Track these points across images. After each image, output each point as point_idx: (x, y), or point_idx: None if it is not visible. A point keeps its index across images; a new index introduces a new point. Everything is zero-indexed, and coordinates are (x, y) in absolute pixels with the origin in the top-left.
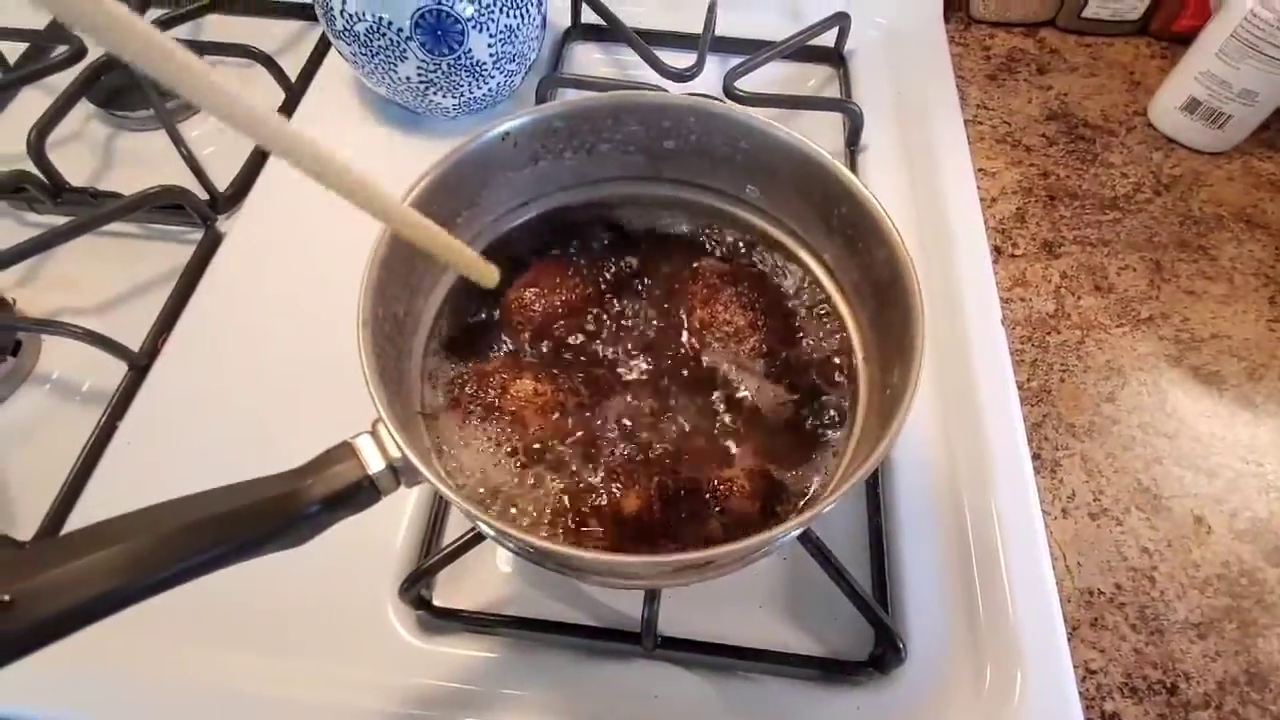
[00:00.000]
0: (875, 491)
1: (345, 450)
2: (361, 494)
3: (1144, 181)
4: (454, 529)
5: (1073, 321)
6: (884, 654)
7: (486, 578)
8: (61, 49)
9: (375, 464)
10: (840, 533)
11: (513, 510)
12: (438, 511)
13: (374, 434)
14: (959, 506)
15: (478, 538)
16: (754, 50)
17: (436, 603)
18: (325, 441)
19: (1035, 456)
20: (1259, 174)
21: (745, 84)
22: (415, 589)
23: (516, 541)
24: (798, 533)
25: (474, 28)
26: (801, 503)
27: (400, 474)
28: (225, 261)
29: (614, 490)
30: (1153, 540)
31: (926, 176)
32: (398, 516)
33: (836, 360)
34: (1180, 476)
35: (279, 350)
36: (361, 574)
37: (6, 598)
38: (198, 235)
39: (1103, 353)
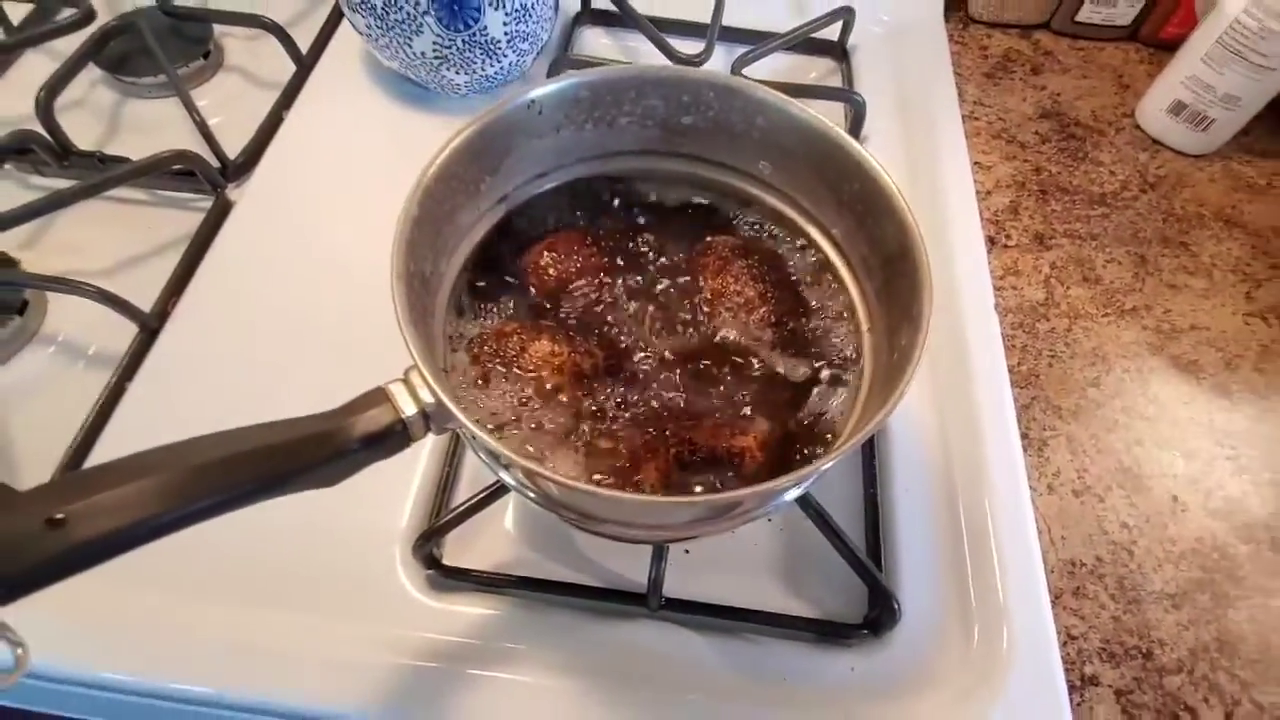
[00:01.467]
0: (872, 463)
1: (379, 395)
2: (394, 438)
3: (1131, 180)
4: (465, 489)
5: (1061, 310)
6: (879, 615)
7: (494, 539)
8: (69, 12)
9: (408, 408)
10: (838, 500)
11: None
12: (448, 475)
13: (406, 381)
14: (951, 480)
15: (492, 495)
16: (760, 40)
17: (446, 561)
18: (343, 398)
19: (1024, 435)
20: (1239, 177)
21: (751, 72)
22: (427, 547)
23: (546, 482)
24: (806, 486)
25: (490, 5)
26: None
27: (431, 419)
28: (235, 229)
29: (625, 451)
30: (1132, 516)
31: (926, 168)
32: (409, 475)
33: (842, 330)
34: (1159, 458)
35: (289, 317)
36: (372, 532)
37: (60, 515)
38: (207, 203)
39: (1089, 340)
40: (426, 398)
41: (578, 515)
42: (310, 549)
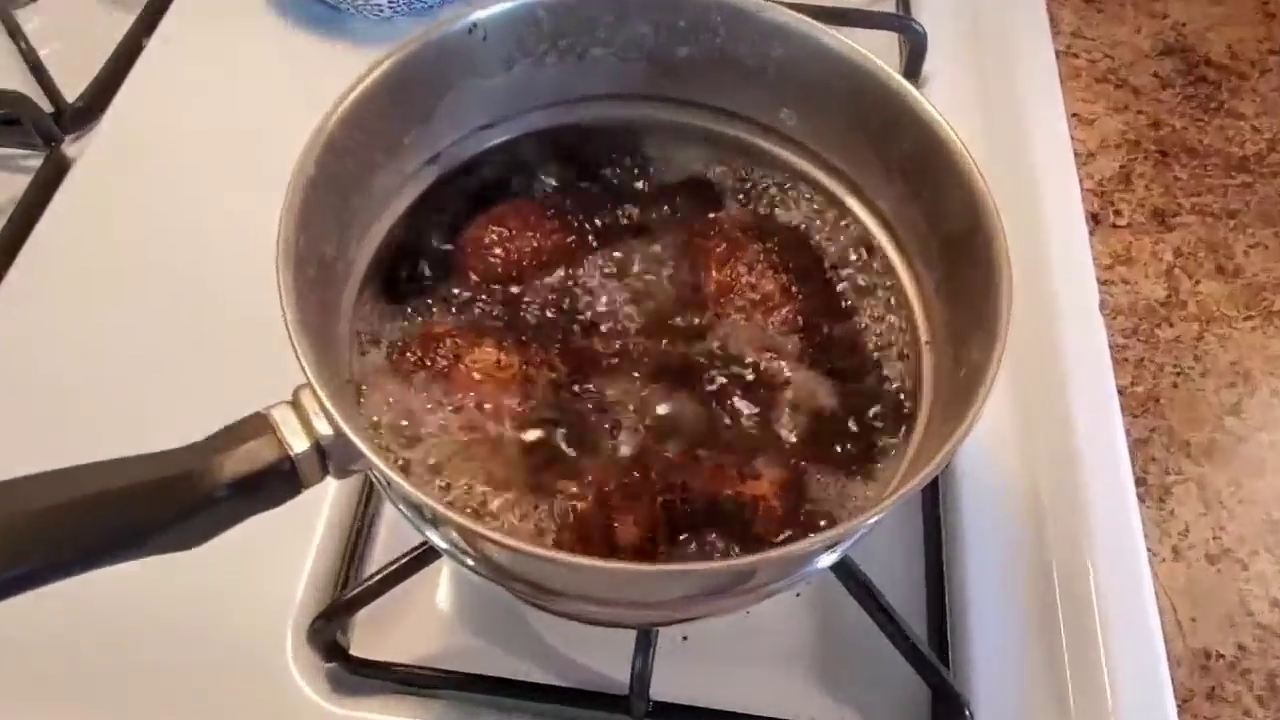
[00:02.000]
0: (935, 516)
1: (258, 423)
2: (278, 482)
3: None
4: (382, 552)
5: (1189, 312)
6: None
7: (421, 620)
8: None
9: (298, 442)
10: (889, 567)
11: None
12: (359, 532)
13: (295, 404)
14: (1042, 540)
15: (419, 561)
16: None
17: (355, 652)
18: (207, 426)
19: (1139, 481)
20: None
21: None
22: (329, 632)
23: (488, 545)
24: (844, 548)
25: None
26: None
27: (330, 457)
28: (73, 195)
29: (596, 499)
30: None
31: (1006, 122)
32: (305, 532)
33: (893, 337)
34: None
35: (141, 314)
36: (254, 610)
37: None
38: (36, 160)
39: (1226, 352)
40: (323, 428)
41: (533, 589)
42: (168, 635)
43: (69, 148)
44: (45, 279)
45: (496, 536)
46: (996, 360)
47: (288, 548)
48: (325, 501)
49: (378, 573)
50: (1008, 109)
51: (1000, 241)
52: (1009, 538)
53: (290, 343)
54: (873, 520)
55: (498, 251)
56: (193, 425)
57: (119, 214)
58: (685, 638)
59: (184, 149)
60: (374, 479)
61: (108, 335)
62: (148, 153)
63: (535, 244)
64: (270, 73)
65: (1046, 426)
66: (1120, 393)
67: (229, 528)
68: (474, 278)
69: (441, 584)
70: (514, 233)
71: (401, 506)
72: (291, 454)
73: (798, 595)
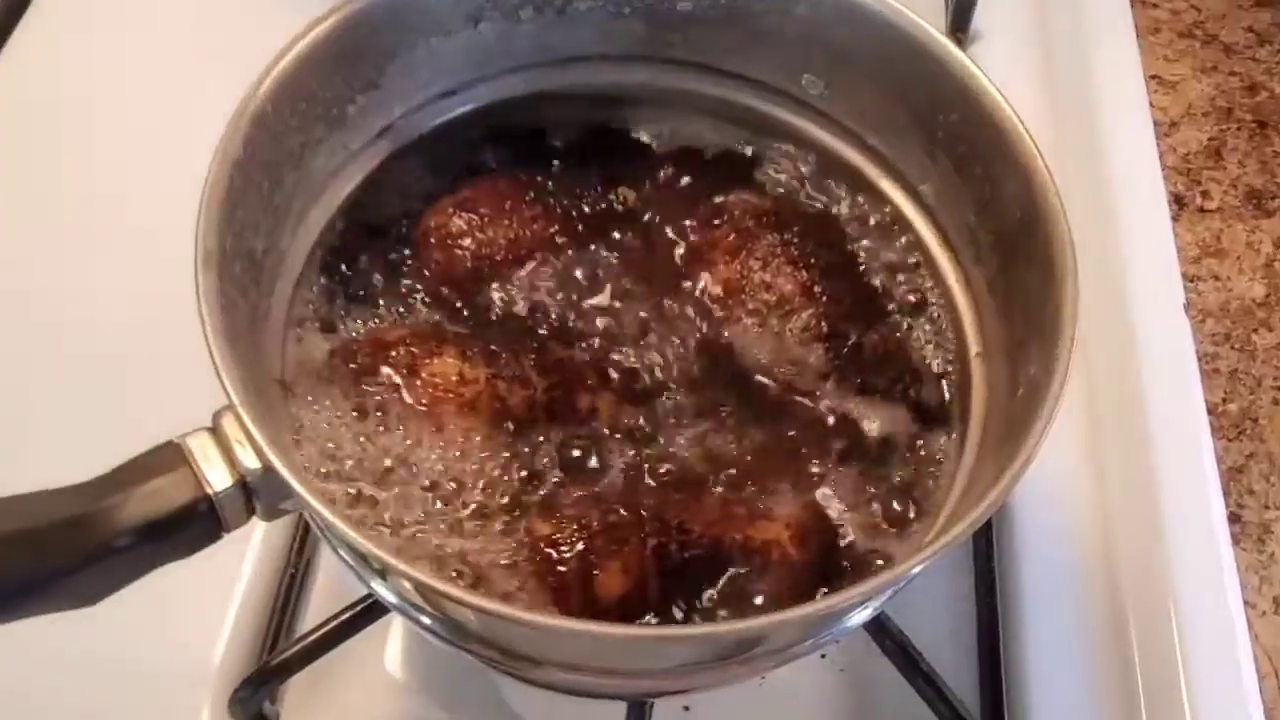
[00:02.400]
0: (989, 562)
1: (171, 455)
2: (193, 525)
3: None
4: (319, 605)
5: None
6: None
7: (366, 686)
8: None
9: (219, 478)
10: (933, 623)
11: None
12: (292, 581)
13: (216, 431)
14: (1116, 590)
15: (362, 618)
16: None
17: None
18: (108, 458)
19: (1234, 518)
20: None
21: None
22: (254, 702)
23: (446, 602)
24: (876, 606)
25: None
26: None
27: (256, 495)
28: None
29: (576, 542)
30: None
31: (1072, 86)
32: (227, 580)
33: (937, 348)
34: None
35: (29, 320)
36: (164, 674)
37: None
38: None
39: None
40: (248, 460)
41: (502, 654)
42: (61, 706)
43: None
44: None
45: (456, 593)
46: (1059, 382)
47: (206, 598)
48: (252, 542)
49: (315, 630)
50: (1074, 70)
51: (1064, 238)
52: (1076, 588)
53: (210, 357)
54: (913, 572)
55: (466, 244)
56: (91, 456)
57: (4, 197)
58: (687, 708)
59: (86, 118)
60: (310, 520)
61: None
62: (37, 122)
63: (513, 233)
64: (187, 28)
65: (1121, 453)
66: (1210, 412)
67: (134, 580)
68: (434, 272)
69: (391, 641)
70: (486, 219)
71: (343, 553)
72: (210, 492)
73: (823, 656)
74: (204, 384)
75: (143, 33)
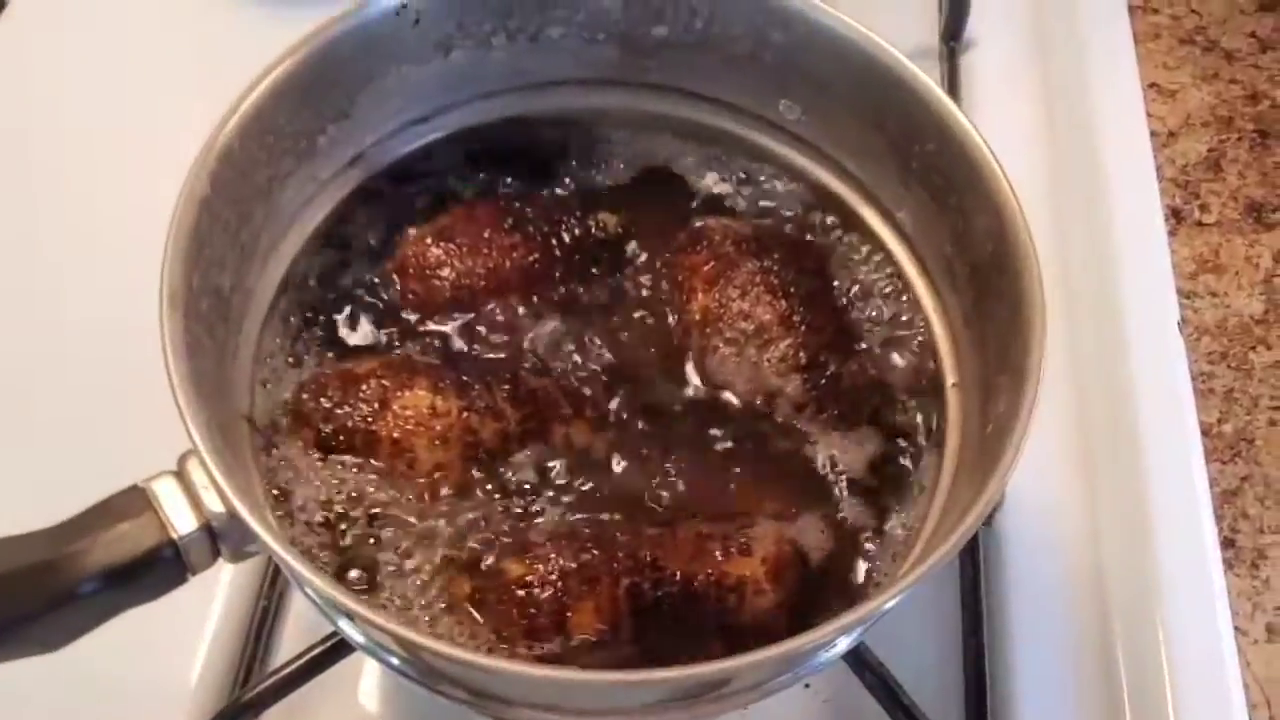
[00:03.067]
0: (974, 588)
1: (136, 500)
2: (159, 569)
3: None
4: (292, 638)
5: None
6: None
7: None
8: None
9: (184, 523)
10: (915, 652)
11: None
12: (266, 613)
13: (181, 475)
14: (1106, 616)
15: (335, 652)
16: None
17: None
18: (72, 503)
19: (1227, 543)
20: None
21: None
22: None
23: (414, 652)
24: (850, 641)
25: None
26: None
27: (222, 539)
28: None
29: (547, 581)
30: None
31: (1068, 95)
32: (199, 614)
33: (915, 378)
34: None
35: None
36: (134, 710)
37: None
38: None
39: None
40: (213, 504)
41: (473, 696)
42: None
43: None
44: None
45: (420, 639)
46: (1023, 422)
47: (178, 632)
48: (225, 575)
49: (289, 664)
50: (1070, 79)
51: (1033, 274)
52: (1064, 615)
53: (175, 401)
54: (887, 605)
55: (443, 274)
56: (55, 501)
57: None
58: None
59: (54, 147)
60: (278, 563)
61: None
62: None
63: (486, 265)
64: (184, 51)
65: (1112, 475)
66: (1204, 433)
67: (97, 626)
68: (408, 304)
69: (365, 675)
70: (462, 249)
71: (311, 594)
72: (175, 537)
73: (806, 686)
74: (171, 419)
75: (116, 43)
